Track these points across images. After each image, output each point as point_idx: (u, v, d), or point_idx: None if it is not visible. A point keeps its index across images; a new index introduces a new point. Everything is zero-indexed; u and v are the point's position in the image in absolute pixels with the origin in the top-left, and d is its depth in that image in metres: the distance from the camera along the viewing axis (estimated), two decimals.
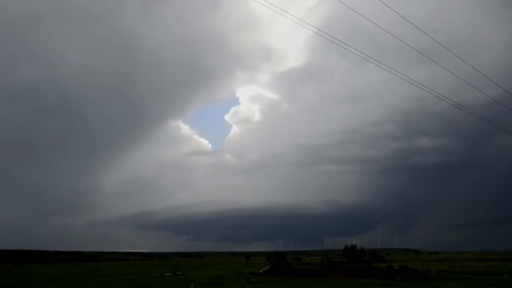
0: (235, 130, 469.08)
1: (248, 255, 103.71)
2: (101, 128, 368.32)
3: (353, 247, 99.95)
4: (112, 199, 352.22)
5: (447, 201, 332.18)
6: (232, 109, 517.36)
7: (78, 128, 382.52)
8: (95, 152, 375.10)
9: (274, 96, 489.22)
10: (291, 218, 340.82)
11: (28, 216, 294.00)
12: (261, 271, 43.07)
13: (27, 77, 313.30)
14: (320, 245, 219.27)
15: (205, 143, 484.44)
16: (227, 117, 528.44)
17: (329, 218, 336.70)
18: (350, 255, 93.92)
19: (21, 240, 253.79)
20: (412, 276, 34.29)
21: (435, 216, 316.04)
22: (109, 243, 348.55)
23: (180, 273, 44.39)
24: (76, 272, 49.74)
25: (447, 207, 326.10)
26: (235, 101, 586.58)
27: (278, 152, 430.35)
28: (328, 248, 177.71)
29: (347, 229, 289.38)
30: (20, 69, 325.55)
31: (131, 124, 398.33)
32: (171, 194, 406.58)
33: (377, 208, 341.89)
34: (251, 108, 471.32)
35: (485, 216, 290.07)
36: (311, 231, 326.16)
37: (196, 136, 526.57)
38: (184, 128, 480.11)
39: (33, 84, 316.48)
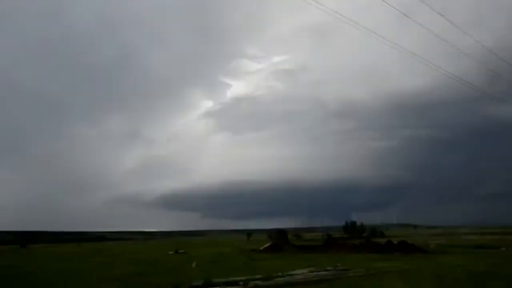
0: None
1: (249, 233, 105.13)
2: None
3: (353, 223, 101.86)
4: None
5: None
6: None
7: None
8: None
9: None
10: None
11: (33, 196, 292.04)
12: (262, 248, 43.71)
13: None
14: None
15: None
16: None
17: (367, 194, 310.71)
18: (350, 231, 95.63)
19: (26, 220, 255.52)
20: (411, 251, 34.76)
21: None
22: (112, 222, 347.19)
23: (182, 251, 45.00)
24: (80, 252, 50.49)
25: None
26: None
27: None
28: (329, 225, 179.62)
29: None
30: None
31: None
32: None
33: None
34: None
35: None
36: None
37: None
38: None
39: None
